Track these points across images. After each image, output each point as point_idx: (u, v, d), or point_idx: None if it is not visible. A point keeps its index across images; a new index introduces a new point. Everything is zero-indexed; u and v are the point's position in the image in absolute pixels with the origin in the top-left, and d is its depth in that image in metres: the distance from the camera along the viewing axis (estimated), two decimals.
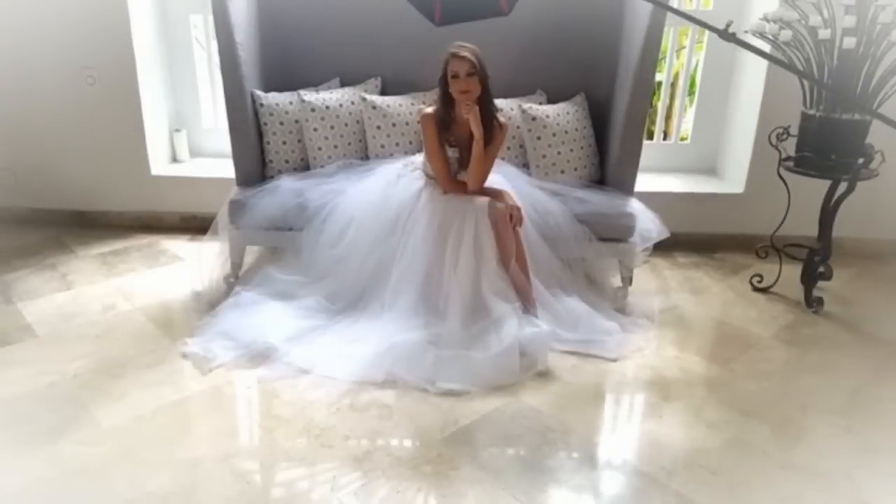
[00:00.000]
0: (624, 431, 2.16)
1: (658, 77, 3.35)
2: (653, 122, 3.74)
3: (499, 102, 2.71)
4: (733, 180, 3.51)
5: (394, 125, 2.99)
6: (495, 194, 2.57)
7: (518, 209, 2.52)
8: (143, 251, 3.31)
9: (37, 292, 2.85)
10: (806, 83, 2.70)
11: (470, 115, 2.47)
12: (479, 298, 2.47)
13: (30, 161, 3.56)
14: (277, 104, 2.95)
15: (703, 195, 3.46)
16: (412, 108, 3.02)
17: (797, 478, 1.89)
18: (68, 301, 2.78)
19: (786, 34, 2.61)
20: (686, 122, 3.90)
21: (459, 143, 2.56)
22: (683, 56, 3.71)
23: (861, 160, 2.65)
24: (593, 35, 3.07)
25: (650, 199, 2.94)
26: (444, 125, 2.53)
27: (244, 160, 2.89)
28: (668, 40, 3.47)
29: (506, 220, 2.48)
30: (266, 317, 2.51)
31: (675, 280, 3.13)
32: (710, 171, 3.73)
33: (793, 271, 2.97)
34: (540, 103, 3.05)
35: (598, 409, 2.24)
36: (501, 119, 2.58)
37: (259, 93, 2.94)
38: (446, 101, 2.53)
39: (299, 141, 2.99)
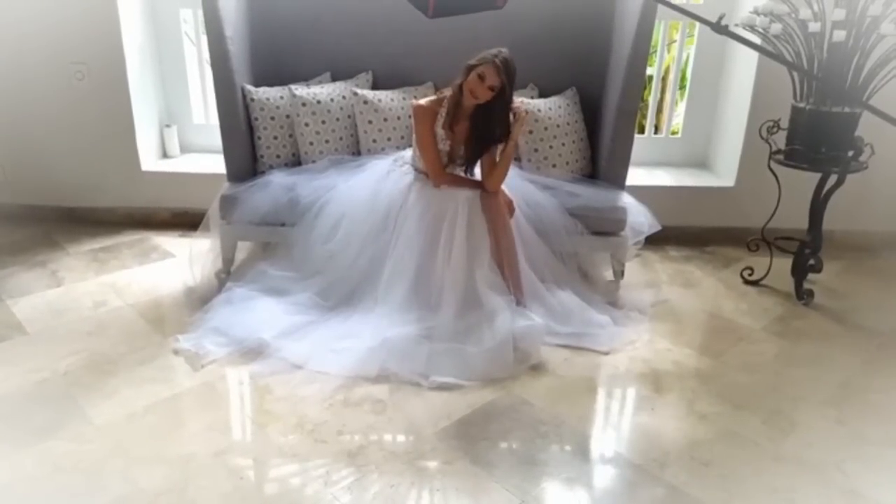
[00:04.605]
0: (616, 424, 2.17)
1: (649, 71, 3.35)
2: (644, 116, 3.74)
3: None
4: (724, 174, 3.52)
5: (385, 120, 2.98)
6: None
7: (510, 202, 2.53)
8: (134, 247, 3.29)
9: (27, 289, 2.83)
10: (796, 76, 2.71)
11: (520, 121, 2.49)
12: (473, 291, 2.47)
13: (19, 157, 3.53)
14: (268, 99, 2.94)
15: (694, 189, 3.47)
16: (404, 102, 3.01)
17: (789, 469, 1.91)
18: (59, 298, 2.77)
19: (776, 27, 2.61)
20: (677, 116, 3.91)
21: (456, 136, 2.54)
22: (674, 50, 3.71)
23: (851, 153, 2.66)
24: (585, 29, 3.07)
25: (641, 192, 2.95)
26: (456, 105, 2.48)
27: (235, 155, 2.88)
28: (658, 34, 3.47)
29: (502, 209, 2.48)
30: (258, 313, 2.51)
31: (666, 273, 3.14)
32: (701, 164, 3.74)
33: (783, 264, 2.99)
34: (532, 97, 3.05)
35: (591, 402, 2.24)
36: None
37: (249, 87, 2.92)
38: (461, 91, 2.47)
39: (290, 136, 2.98)
